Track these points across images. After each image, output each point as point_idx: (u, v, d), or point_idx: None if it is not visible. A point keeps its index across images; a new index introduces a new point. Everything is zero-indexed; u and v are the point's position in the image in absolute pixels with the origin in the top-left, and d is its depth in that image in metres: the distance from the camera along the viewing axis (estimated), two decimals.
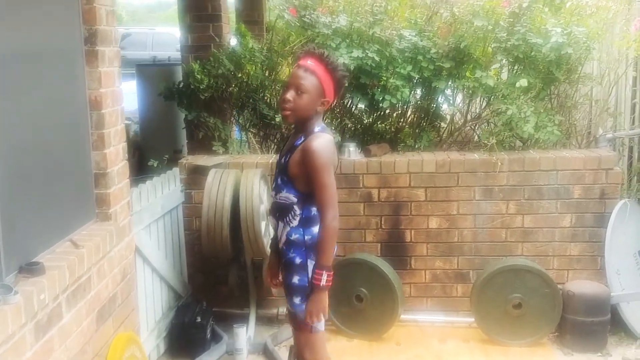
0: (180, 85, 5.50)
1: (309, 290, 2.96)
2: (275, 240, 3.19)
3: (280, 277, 3.22)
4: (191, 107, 5.28)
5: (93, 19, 3.12)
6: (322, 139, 2.93)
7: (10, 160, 2.46)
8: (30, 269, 2.49)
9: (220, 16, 5.85)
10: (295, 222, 2.98)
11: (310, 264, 2.99)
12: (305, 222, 2.97)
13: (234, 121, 5.51)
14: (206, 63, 5.19)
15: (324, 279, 2.90)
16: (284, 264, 3.05)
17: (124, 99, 3.50)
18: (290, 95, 2.90)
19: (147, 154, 7.17)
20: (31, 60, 2.70)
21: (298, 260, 2.97)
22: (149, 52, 17.73)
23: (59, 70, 2.94)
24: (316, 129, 2.98)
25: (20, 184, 2.55)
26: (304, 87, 2.89)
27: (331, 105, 3.31)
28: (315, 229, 2.96)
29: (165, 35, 19.97)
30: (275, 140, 5.41)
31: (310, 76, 2.90)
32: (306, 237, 2.96)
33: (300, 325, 3.06)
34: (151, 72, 7.34)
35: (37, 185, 2.70)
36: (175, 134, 6.98)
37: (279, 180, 3.02)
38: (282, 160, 3.02)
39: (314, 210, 2.95)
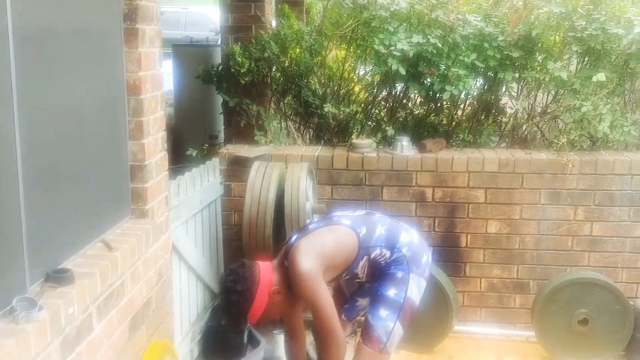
0: (220, 68, 5.17)
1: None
2: None
3: None
4: (230, 92, 4.95)
5: None
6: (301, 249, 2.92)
7: (35, 152, 2.11)
8: (58, 277, 2.16)
9: None
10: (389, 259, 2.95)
11: (413, 279, 2.88)
12: (390, 243, 2.93)
13: (274, 107, 5.16)
14: (248, 45, 4.84)
15: None
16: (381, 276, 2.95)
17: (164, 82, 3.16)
18: None
19: (182, 139, 6.89)
20: (61, 39, 2.33)
21: (400, 274, 2.86)
22: (181, 31, 17.39)
23: (93, 51, 2.56)
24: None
25: (47, 178, 2.20)
26: None
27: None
28: (405, 237, 2.92)
29: (198, 15, 19.62)
30: (318, 130, 5.01)
31: None
32: (403, 250, 2.89)
33: (372, 339, 2.86)
34: (188, 53, 6.99)
35: (67, 180, 2.35)
36: (212, 119, 6.64)
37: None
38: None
39: (382, 239, 2.92)
